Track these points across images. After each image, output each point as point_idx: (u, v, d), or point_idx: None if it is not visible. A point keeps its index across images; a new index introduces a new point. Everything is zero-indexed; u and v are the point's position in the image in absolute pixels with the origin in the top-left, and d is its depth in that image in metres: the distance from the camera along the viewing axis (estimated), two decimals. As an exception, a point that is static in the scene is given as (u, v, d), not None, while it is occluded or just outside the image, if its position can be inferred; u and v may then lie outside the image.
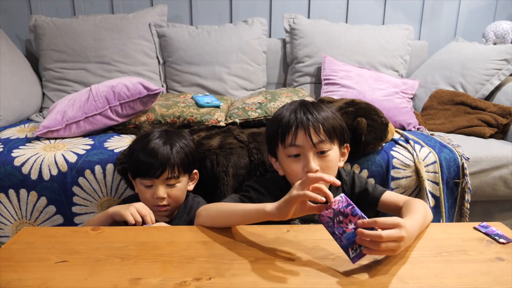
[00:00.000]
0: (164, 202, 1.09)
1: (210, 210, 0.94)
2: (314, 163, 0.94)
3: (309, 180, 0.76)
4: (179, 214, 1.16)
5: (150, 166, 1.06)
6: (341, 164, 1.05)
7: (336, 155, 1.00)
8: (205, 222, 0.92)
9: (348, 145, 1.08)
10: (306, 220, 0.99)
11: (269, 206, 0.81)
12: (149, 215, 1.03)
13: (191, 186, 1.19)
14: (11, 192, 1.34)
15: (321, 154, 0.96)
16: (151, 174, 1.07)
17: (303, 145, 0.96)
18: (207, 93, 1.95)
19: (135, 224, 1.00)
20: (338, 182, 0.76)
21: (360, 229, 0.72)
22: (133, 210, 1.02)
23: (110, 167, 1.34)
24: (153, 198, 1.08)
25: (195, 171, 1.20)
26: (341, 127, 1.02)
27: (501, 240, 0.84)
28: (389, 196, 1.04)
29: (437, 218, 1.40)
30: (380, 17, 2.40)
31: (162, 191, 1.08)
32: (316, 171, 0.94)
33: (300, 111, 0.99)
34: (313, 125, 0.96)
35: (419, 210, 0.90)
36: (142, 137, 1.16)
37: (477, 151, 1.50)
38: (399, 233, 0.73)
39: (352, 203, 0.75)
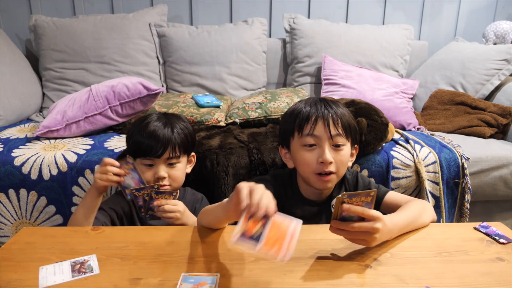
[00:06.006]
0: (165, 182, 1.09)
1: (200, 214, 0.94)
2: (329, 155, 0.96)
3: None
4: None
5: (151, 146, 1.07)
6: (349, 164, 1.06)
7: (348, 152, 1.03)
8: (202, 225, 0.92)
9: (357, 146, 1.10)
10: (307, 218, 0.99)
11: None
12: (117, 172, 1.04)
13: (188, 169, 1.19)
14: (11, 192, 1.34)
15: (336, 147, 0.99)
16: (153, 154, 1.07)
17: (320, 136, 0.98)
18: (207, 93, 1.95)
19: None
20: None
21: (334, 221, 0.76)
22: (98, 175, 1.04)
23: (110, 167, 1.34)
24: (154, 177, 1.09)
25: (193, 153, 1.20)
26: (355, 127, 1.06)
27: (502, 240, 0.84)
28: (392, 196, 1.04)
29: (437, 218, 1.39)
30: (380, 17, 2.39)
31: (163, 170, 1.09)
32: (330, 162, 0.97)
33: (321, 104, 1.02)
34: (333, 118, 0.99)
35: (411, 209, 0.92)
36: (140, 120, 1.15)
37: (477, 151, 1.50)
38: (372, 225, 0.75)
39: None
